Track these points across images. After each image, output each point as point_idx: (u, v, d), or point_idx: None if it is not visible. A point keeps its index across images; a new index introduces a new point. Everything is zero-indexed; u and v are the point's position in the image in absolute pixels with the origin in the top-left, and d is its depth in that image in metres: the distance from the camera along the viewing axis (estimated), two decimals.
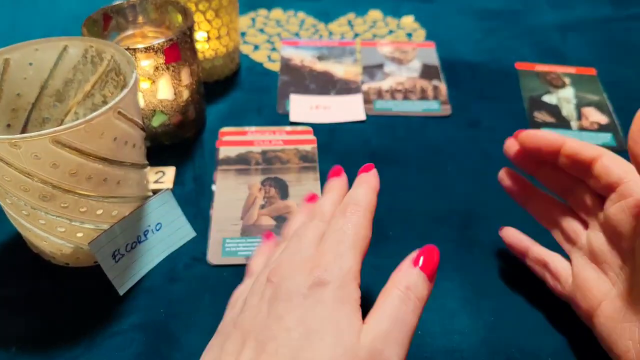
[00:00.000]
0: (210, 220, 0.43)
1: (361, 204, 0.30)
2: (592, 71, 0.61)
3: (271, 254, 0.33)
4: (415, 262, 0.28)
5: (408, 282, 0.27)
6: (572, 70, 0.61)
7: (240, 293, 0.33)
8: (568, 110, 0.55)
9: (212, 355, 0.28)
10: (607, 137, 0.52)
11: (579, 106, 0.56)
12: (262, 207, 0.44)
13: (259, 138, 0.50)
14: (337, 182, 0.34)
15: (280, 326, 0.25)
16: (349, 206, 0.30)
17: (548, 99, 0.57)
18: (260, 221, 0.43)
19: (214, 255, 0.41)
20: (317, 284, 0.26)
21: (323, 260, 0.27)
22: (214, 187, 0.46)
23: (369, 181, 0.32)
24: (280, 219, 0.43)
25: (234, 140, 0.50)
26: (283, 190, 0.45)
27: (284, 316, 0.25)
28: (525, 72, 0.61)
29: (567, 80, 0.60)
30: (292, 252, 0.29)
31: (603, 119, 0.54)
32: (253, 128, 0.53)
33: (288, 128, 0.53)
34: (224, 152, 0.49)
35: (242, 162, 0.48)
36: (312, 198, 0.37)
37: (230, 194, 0.45)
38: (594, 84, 0.59)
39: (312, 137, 0.51)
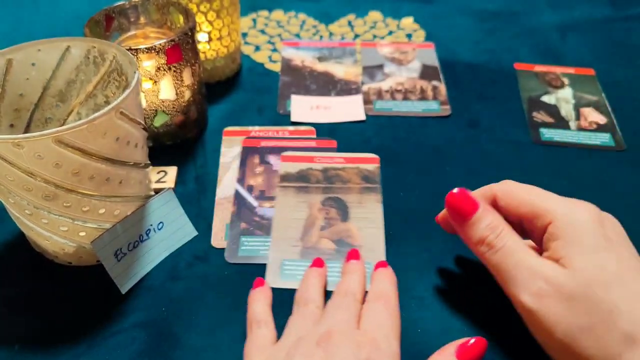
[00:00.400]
0: (270, 239, 0.42)
1: (392, 295, 0.34)
2: (591, 71, 0.61)
3: (270, 302, 0.36)
4: (459, 354, 0.30)
5: None
6: (571, 70, 0.61)
7: (263, 344, 0.32)
8: (567, 110, 0.56)
9: None
10: (605, 137, 0.52)
11: (578, 106, 0.56)
12: (322, 228, 0.42)
13: (320, 154, 0.49)
14: (359, 267, 0.38)
15: None
16: (382, 297, 0.34)
17: (547, 99, 0.57)
18: (320, 244, 0.42)
19: (274, 278, 0.39)
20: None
21: (371, 339, 0.30)
22: (273, 204, 0.45)
23: (391, 277, 0.36)
24: (341, 243, 0.42)
25: (295, 156, 0.49)
26: (344, 212, 0.44)
27: None
28: (524, 72, 0.62)
29: (565, 80, 0.60)
30: (337, 323, 0.31)
31: (602, 119, 0.54)
32: (257, 128, 0.53)
33: (291, 128, 0.53)
34: (285, 168, 0.47)
35: (303, 180, 0.46)
36: (319, 262, 0.39)
37: (290, 212, 0.44)
38: (592, 84, 0.59)
39: (374, 156, 0.49)
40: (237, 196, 0.46)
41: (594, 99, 0.57)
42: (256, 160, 0.49)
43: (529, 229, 0.33)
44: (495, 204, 0.35)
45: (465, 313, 0.37)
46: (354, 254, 0.39)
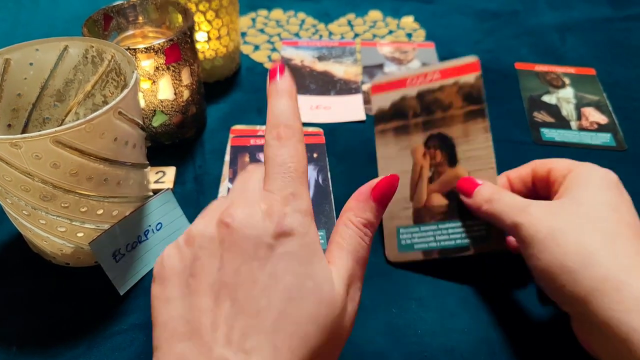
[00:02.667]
0: None
1: (293, 125, 0.27)
2: (592, 71, 0.61)
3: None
4: (373, 196, 0.27)
5: (365, 217, 0.27)
6: (571, 70, 0.61)
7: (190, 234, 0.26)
8: (568, 110, 0.56)
9: (175, 309, 0.24)
10: (606, 137, 0.52)
11: (579, 106, 0.56)
12: (431, 180, 0.37)
13: (413, 74, 0.40)
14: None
15: (256, 285, 0.23)
16: (280, 129, 0.26)
17: (548, 99, 0.57)
18: (432, 201, 0.37)
19: (391, 251, 0.35)
20: (282, 234, 0.24)
21: (277, 202, 0.25)
22: (378, 155, 0.39)
23: (285, 89, 0.28)
24: (452, 196, 0.36)
25: (386, 83, 0.40)
26: (451, 153, 0.37)
27: (256, 272, 0.23)
28: (525, 72, 0.62)
29: (566, 80, 0.60)
30: (241, 189, 0.27)
31: (603, 119, 0.54)
32: (264, 127, 0.53)
33: None
34: (378, 102, 0.40)
35: (399, 117, 0.39)
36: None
37: (395, 164, 0.37)
38: (593, 84, 0.59)
39: (473, 59, 0.39)
40: None
41: (595, 99, 0.57)
42: (246, 158, 0.49)
43: (553, 182, 0.35)
44: (533, 174, 0.37)
45: (465, 313, 0.37)
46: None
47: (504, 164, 0.50)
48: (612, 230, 0.30)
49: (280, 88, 0.28)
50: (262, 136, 0.51)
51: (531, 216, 0.32)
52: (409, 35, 0.70)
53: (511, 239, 0.38)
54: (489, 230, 0.37)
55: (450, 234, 0.37)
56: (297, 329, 0.23)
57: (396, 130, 0.39)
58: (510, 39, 0.69)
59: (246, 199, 0.25)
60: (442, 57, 0.64)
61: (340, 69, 0.62)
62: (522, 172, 0.38)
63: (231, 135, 0.52)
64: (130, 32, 0.51)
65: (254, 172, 0.28)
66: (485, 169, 0.37)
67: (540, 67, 0.62)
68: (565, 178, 0.34)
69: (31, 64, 0.39)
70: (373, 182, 0.28)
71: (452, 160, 0.37)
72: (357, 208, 0.27)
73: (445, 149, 0.37)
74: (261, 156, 0.49)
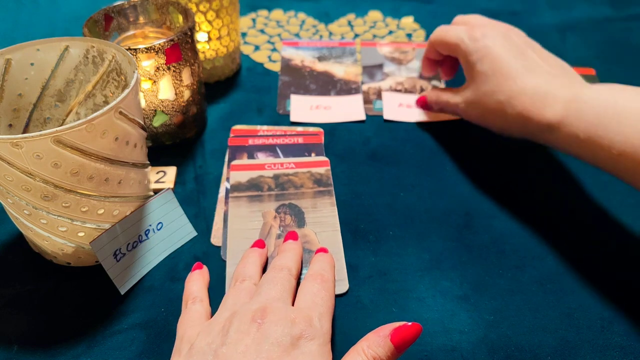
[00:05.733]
0: (225, 252, 0.41)
1: (329, 278, 0.34)
2: (592, 71, 0.61)
3: (207, 284, 0.37)
4: (392, 337, 0.29)
5: (376, 353, 0.29)
6: None
7: (196, 320, 0.33)
8: None
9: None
10: None
11: None
12: (279, 236, 0.41)
13: (270, 161, 0.47)
14: (296, 246, 0.38)
15: None
16: (319, 277, 0.34)
17: None
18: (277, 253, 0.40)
19: None
20: (304, 337, 0.29)
21: (305, 317, 0.30)
22: (223, 211, 0.44)
23: (328, 260, 0.36)
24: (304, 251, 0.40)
25: (244, 165, 0.47)
26: (299, 218, 0.43)
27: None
28: None
29: None
30: (272, 299, 0.31)
31: None
32: (265, 127, 0.53)
33: (300, 128, 0.53)
34: (235, 177, 0.46)
35: (254, 189, 0.45)
36: (260, 244, 0.39)
37: (243, 222, 0.42)
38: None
39: (324, 158, 0.48)
40: (228, 194, 0.46)
41: None
42: (244, 158, 0.49)
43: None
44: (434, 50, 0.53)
45: (465, 313, 0.37)
46: (291, 236, 0.39)
47: (503, 164, 0.50)
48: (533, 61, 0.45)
49: (327, 259, 0.37)
50: (261, 136, 0.52)
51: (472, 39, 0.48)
52: (409, 36, 0.70)
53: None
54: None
55: None
56: None
57: (250, 197, 0.44)
58: None
59: (278, 308, 0.30)
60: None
61: (341, 69, 0.62)
62: (427, 53, 0.54)
63: (231, 135, 0.52)
64: (131, 33, 0.51)
65: (283, 282, 0.33)
66: (330, 231, 0.42)
67: None
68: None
69: (32, 64, 0.39)
70: (397, 324, 0.30)
71: (301, 223, 0.42)
72: (373, 341, 0.29)
73: (294, 215, 0.43)
74: (259, 155, 0.49)
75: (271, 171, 0.46)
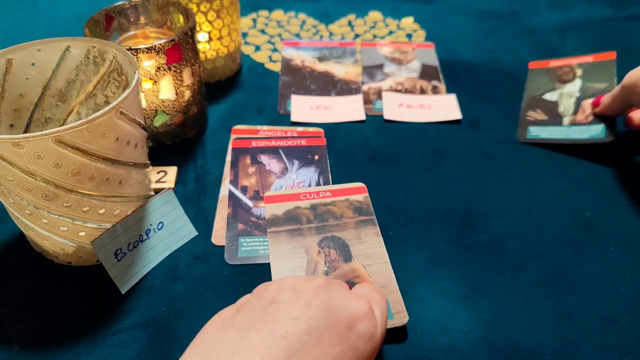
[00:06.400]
0: None
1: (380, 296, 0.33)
2: (612, 55, 0.59)
3: None
4: None
5: None
6: (589, 59, 0.60)
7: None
8: (566, 105, 0.55)
9: (231, 335, 0.27)
10: (598, 129, 0.50)
11: (581, 99, 0.55)
12: (326, 273, 0.39)
13: (305, 191, 0.45)
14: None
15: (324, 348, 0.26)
16: (372, 288, 0.33)
17: (549, 96, 0.57)
18: None
19: None
20: (364, 318, 0.28)
21: (367, 297, 0.30)
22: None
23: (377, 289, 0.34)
24: (350, 285, 0.37)
25: (277, 196, 0.45)
26: (345, 251, 0.40)
27: (328, 341, 0.26)
28: (536, 70, 0.61)
29: (578, 71, 0.58)
30: (335, 281, 0.31)
31: None
32: (265, 127, 0.53)
33: (300, 128, 0.53)
34: (270, 210, 0.43)
35: (293, 222, 0.42)
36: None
37: (287, 261, 0.40)
38: (608, 69, 0.57)
39: (360, 185, 0.46)
40: (232, 197, 0.46)
41: (602, 87, 0.55)
42: (247, 160, 0.49)
43: None
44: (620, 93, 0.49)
45: (465, 313, 0.37)
46: None
47: (503, 164, 0.50)
48: None
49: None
50: (263, 138, 0.52)
51: None
52: (409, 36, 0.70)
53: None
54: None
55: None
56: None
57: (290, 232, 0.42)
58: (510, 39, 0.69)
59: (341, 284, 0.31)
60: (442, 57, 0.65)
61: (341, 69, 0.62)
62: (612, 96, 0.49)
63: (233, 136, 0.52)
64: (131, 33, 0.51)
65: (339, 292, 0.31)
66: (379, 263, 0.40)
67: (554, 62, 0.61)
68: None
69: (33, 64, 0.39)
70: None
71: (347, 257, 0.40)
72: None
73: (339, 249, 0.41)
74: (262, 158, 0.49)
75: (307, 201, 0.44)
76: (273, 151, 0.50)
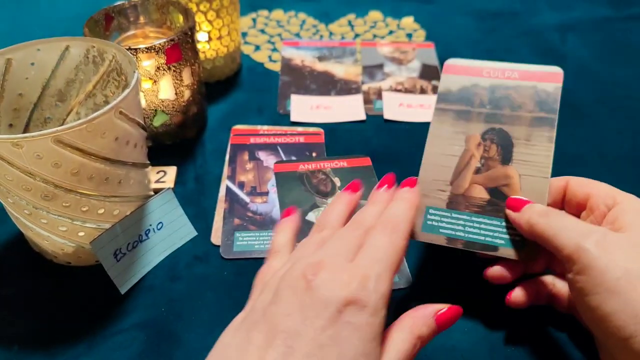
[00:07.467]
0: (419, 176, 0.36)
1: (401, 225, 0.30)
2: (368, 161, 0.49)
3: (296, 232, 0.34)
4: (438, 318, 0.29)
5: (421, 332, 0.28)
6: (343, 163, 0.49)
7: (269, 275, 0.30)
8: None
9: (238, 339, 0.27)
10: None
11: None
12: (478, 170, 0.35)
13: (490, 66, 0.39)
14: (384, 196, 0.33)
15: (314, 341, 0.25)
16: (389, 223, 0.30)
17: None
18: (471, 191, 0.35)
19: (415, 227, 0.34)
20: (354, 302, 0.26)
21: (362, 276, 0.27)
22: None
23: (410, 199, 0.32)
24: (496, 193, 0.35)
25: (460, 66, 0.40)
26: (506, 151, 0.36)
27: (317, 329, 0.25)
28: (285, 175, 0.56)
29: (337, 180, 0.53)
30: (332, 254, 0.29)
31: None
32: (265, 127, 0.53)
33: (300, 128, 0.53)
34: (446, 82, 0.39)
35: (464, 101, 0.38)
36: (354, 187, 0.35)
37: (444, 145, 0.36)
38: (367, 178, 0.50)
39: (558, 70, 0.39)
40: (229, 193, 0.46)
41: None
42: (245, 157, 0.49)
43: (593, 208, 0.33)
44: (565, 190, 0.35)
45: (465, 313, 0.37)
46: (387, 180, 0.34)
47: None
48: None
49: (407, 197, 0.32)
50: (263, 134, 0.52)
51: (601, 246, 0.29)
52: (409, 36, 0.70)
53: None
54: (524, 240, 0.34)
55: (482, 230, 0.35)
56: None
57: (457, 113, 0.37)
58: (510, 39, 0.69)
59: (334, 264, 0.27)
60: (442, 57, 0.64)
61: (341, 69, 0.62)
62: (553, 185, 0.36)
63: (232, 134, 0.52)
64: (131, 32, 0.51)
65: (350, 238, 0.30)
66: (538, 177, 0.35)
67: (304, 165, 0.48)
68: (612, 210, 0.32)
69: (33, 63, 0.39)
70: (442, 306, 0.30)
71: (507, 158, 0.36)
72: (419, 321, 0.29)
73: (501, 146, 0.36)
74: (260, 154, 0.49)
75: (488, 79, 0.39)
76: (271, 148, 0.50)
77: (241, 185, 0.46)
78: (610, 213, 0.32)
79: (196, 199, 0.46)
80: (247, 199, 0.45)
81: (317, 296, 0.26)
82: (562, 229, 0.31)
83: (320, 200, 0.45)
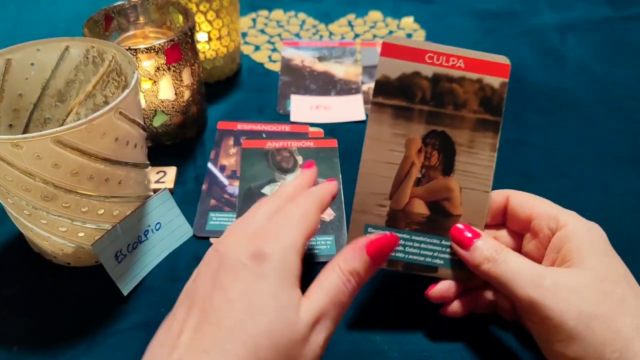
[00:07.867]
0: (356, 189, 0.34)
1: (313, 195, 0.31)
2: (334, 142, 0.50)
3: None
4: (368, 248, 0.28)
5: (353, 266, 0.28)
6: (309, 143, 0.51)
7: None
8: None
9: (166, 321, 0.28)
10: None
11: None
12: (419, 182, 0.32)
13: (435, 50, 0.34)
14: (308, 172, 0.35)
15: (224, 297, 0.26)
16: (302, 195, 0.31)
17: (270, 190, 0.50)
18: (411, 206, 0.33)
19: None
20: (258, 255, 0.27)
21: (266, 234, 0.28)
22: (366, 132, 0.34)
23: (328, 185, 0.33)
24: (436, 209, 0.32)
25: (401, 46, 0.34)
26: (448, 160, 0.33)
27: (227, 287, 0.26)
28: (251, 151, 0.56)
29: (300, 158, 0.53)
30: (243, 225, 0.30)
31: None
32: (265, 127, 0.53)
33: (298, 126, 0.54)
34: (385, 67, 0.34)
35: (404, 95, 0.33)
36: (307, 165, 0.36)
37: (382, 150, 0.33)
38: (330, 160, 0.49)
39: (505, 61, 0.35)
40: (209, 174, 0.47)
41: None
42: (230, 142, 0.51)
43: (536, 230, 0.33)
44: (506, 206, 0.34)
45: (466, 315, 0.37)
46: (309, 164, 0.36)
47: (502, 165, 0.50)
48: (636, 308, 0.28)
49: (325, 184, 0.33)
50: (249, 121, 0.53)
51: (552, 295, 0.29)
52: (409, 36, 0.70)
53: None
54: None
55: (421, 249, 0.33)
56: (249, 339, 0.24)
57: (396, 109, 0.33)
58: (510, 39, 0.69)
59: (242, 228, 0.29)
60: None
61: (341, 69, 0.62)
62: (493, 200, 0.34)
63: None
64: (131, 33, 0.51)
65: (263, 205, 0.31)
66: (479, 191, 0.33)
67: (271, 143, 0.50)
68: (557, 235, 0.32)
69: (32, 64, 0.39)
70: (372, 236, 0.29)
71: (448, 168, 0.33)
72: (349, 255, 0.28)
73: (444, 153, 0.33)
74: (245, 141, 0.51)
75: (431, 67, 0.34)
76: (256, 135, 0.52)
77: (222, 169, 0.48)
78: (555, 238, 0.32)
79: (196, 199, 0.46)
80: (226, 181, 0.47)
81: (224, 261, 0.27)
82: (513, 277, 0.30)
83: (279, 175, 0.47)
